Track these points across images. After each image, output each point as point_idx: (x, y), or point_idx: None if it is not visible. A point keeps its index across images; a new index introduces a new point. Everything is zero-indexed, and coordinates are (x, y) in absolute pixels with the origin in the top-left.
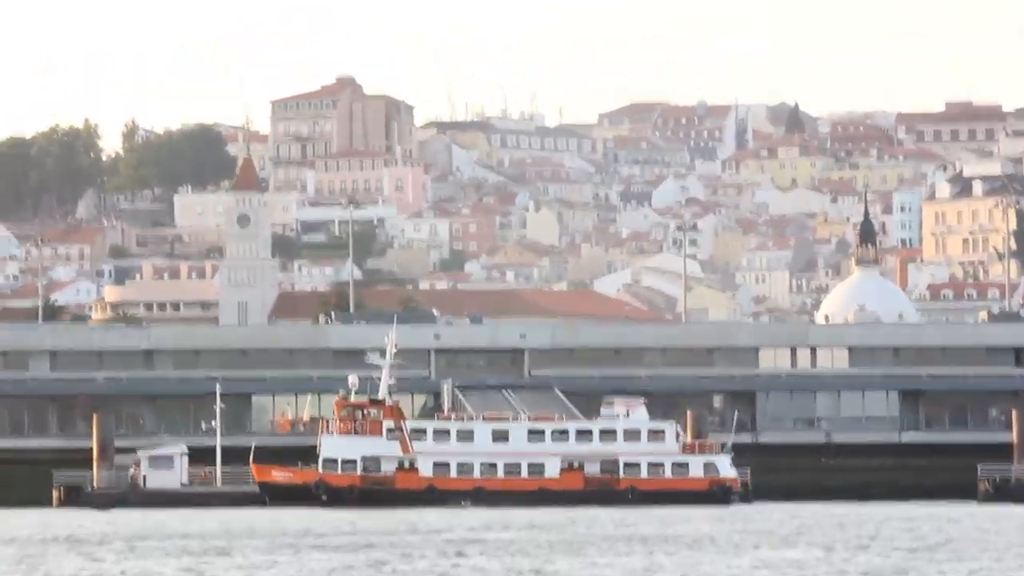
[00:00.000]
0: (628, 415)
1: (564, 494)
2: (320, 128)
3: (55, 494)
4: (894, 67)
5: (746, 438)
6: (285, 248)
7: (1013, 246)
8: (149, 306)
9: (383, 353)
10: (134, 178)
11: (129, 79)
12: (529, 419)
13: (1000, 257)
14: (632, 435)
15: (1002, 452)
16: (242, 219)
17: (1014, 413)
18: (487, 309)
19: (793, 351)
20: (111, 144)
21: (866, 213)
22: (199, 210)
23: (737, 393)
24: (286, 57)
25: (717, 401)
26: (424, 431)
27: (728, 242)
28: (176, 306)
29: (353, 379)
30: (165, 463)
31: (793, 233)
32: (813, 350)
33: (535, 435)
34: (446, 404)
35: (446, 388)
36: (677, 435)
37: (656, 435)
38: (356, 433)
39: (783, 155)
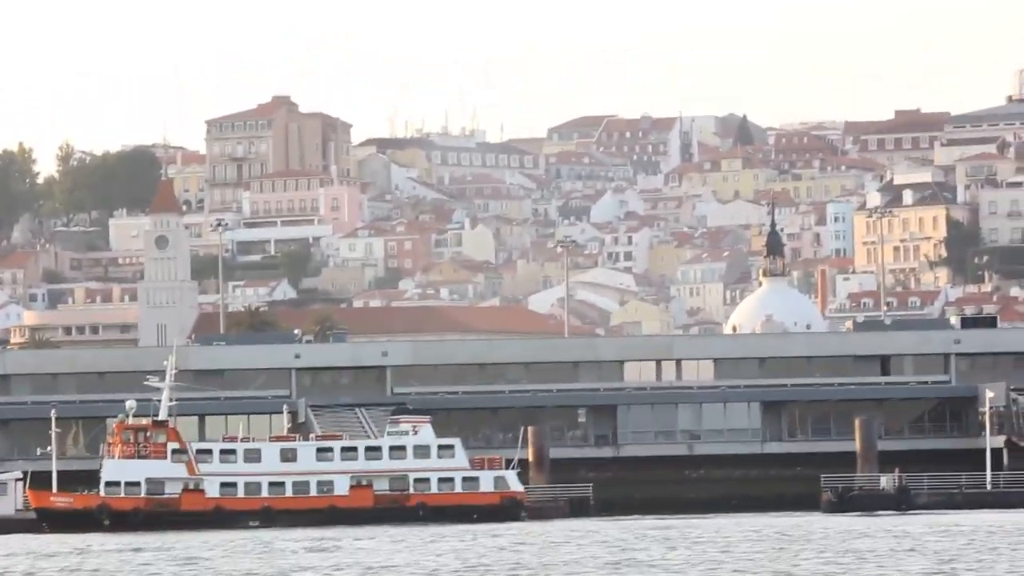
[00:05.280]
0: (415, 432)
1: (354, 512)
2: (256, 148)
3: None
4: (846, 76)
5: (608, 451)
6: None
7: (943, 253)
8: (68, 330)
9: (163, 376)
10: (69, 202)
11: (65, 102)
12: (318, 438)
13: (931, 266)
14: (421, 451)
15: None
16: (160, 241)
17: (856, 422)
18: (414, 327)
19: (658, 364)
20: (47, 168)
21: (772, 225)
22: (133, 233)
23: (599, 407)
24: (222, 76)
25: (580, 415)
26: (210, 452)
27: (663, 255)
28: (96, 329)
29: (131, 402)
30: None
31: (729, 245)
32: (678, 363)
33: (324, 453)
34: (284, 424)
35: (287, 409)
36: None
37: (445, 451)
38: (139, 456)
39: (726, 167)
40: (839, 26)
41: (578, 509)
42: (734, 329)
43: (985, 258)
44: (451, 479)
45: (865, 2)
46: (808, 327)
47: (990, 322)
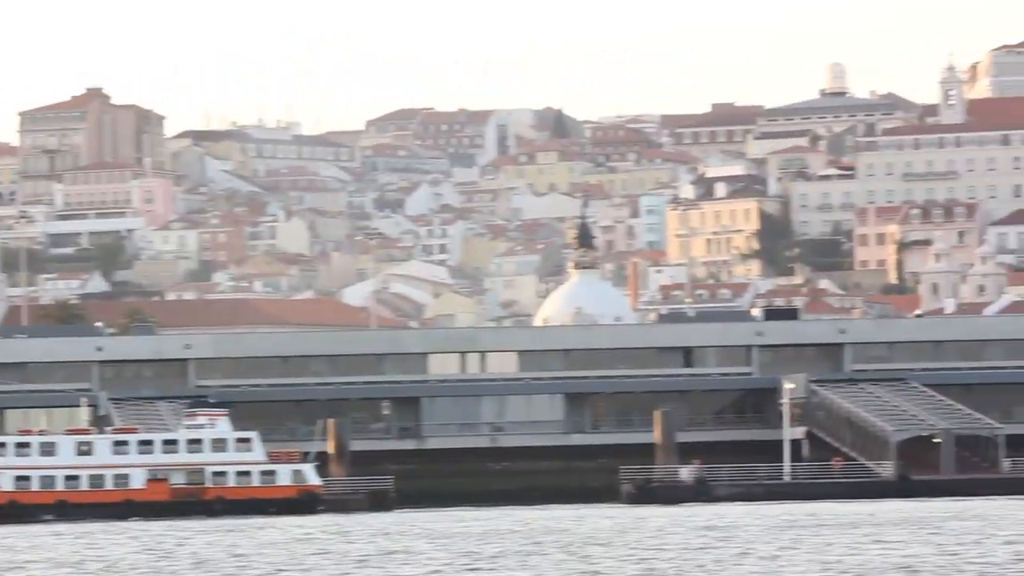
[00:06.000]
0: (212, 425)
1: (150, 505)
2: (69, 139)
3: None
4: (664, 70)
5: (411, 444)
6: (32, 262)
7: (755, 246)
8: None
9: None
10: None
11: None
12: (114, 431)
13: (742, 258)
14: (219, 445)
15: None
16: None
17: (656, 414)
18: (226, 320)
19: (463, 356)
20: None
21: (582, 217)
22: None
23: (403, 399)
24: (35, 67)
25: (385, 408)
26: (5, 445)
27: (477, 248)
28: None
29: None
30: None
31: (543, 238)
32: (483, 355)
33: (120, 447)
34: (84, 417)
35: (87, 402)
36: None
37: (242, 444)
38: None
39: (542, 160)
40: (658, 20)
41: (378, 502)
42: (544, 321)
43: (796, 250)
44: (248, 472)
45: None
46: (618, 319)
47: (791, 314)
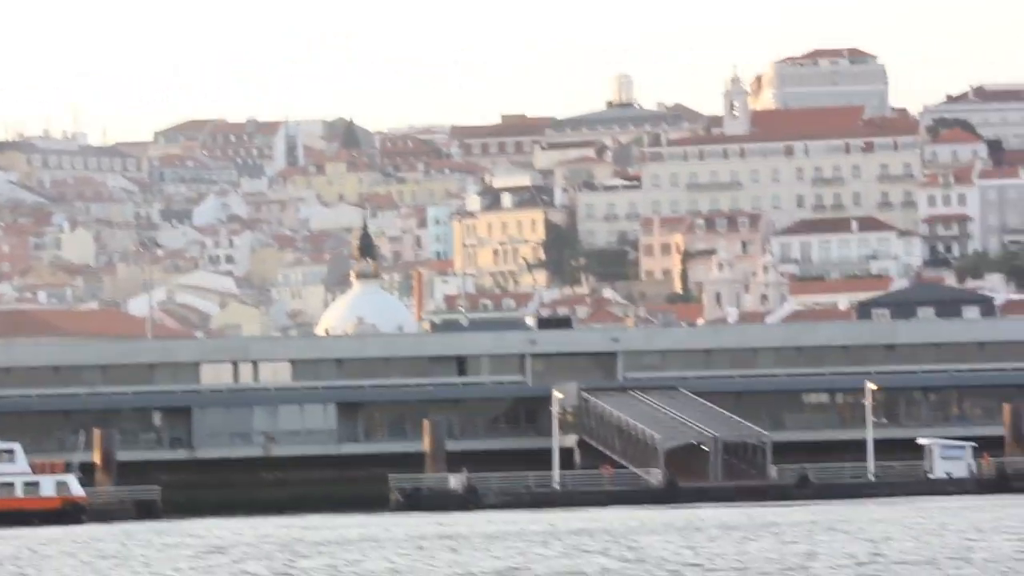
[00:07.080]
0: None
1: None
2: None
3: None
4: (454, 80)
5: (181, 454)
6: None
7: (542, 256)
8: None
9: None
10: None
11: None
12: None
13: (529, 268)
14: None
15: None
16: None
17: (425, 423)
18: (9, 331)
19: (235, 365)
20: None
21: (365, 227)
22: None
23: (173, 409)
24: None
25: (156, 418)
26: None
27: (264, 258)
28: None
29: None
30: None
31: (330, 248)
32: (255, 364)
33: None
34: None
35: None
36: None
37: (5, 455)
38: None
39: (331, 171)
40: (448, 31)
41: (145, 512)
42: (326, 332)
43: (582, 260)
44: (11, 484)
45: (473, 7)
46: (400, 329)
47: (565, 323)
